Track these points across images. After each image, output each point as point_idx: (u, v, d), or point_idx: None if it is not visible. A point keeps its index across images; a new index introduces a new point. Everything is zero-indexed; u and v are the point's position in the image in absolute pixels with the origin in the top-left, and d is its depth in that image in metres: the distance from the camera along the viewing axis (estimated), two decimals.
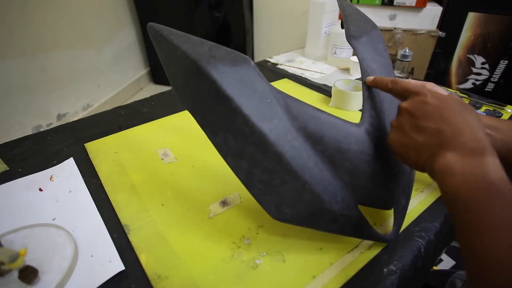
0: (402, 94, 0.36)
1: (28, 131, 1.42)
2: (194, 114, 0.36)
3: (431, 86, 0.45)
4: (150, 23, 0.40)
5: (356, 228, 0.38)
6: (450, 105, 0.30)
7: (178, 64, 0.36)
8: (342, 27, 0.52)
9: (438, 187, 0.29)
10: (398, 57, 0.80)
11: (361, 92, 0.43)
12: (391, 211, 0.43)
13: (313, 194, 0.34)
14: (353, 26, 0.45)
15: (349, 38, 0.44)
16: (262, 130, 0.33)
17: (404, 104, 0.33)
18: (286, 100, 0.36)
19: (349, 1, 0.51)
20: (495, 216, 0.24)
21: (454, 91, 0.78)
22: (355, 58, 0.89)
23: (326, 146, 0.36)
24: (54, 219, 0.44)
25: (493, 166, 0.26)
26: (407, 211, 0.45)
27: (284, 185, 0.34)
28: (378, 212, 0.44)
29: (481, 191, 0.25)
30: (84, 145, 0.60)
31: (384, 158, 0.39)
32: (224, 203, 0.46)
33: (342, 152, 0.36)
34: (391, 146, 0.35)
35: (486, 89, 1.32)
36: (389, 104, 0.43)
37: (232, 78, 0.33)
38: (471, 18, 1.22)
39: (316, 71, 0.95)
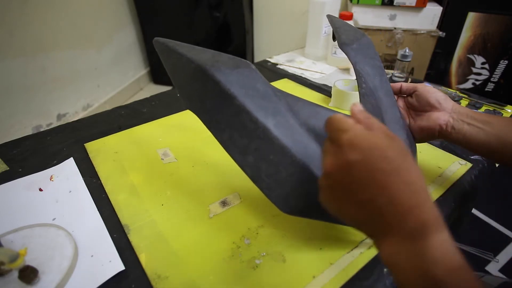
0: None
1: (28, 131, 1.42)
2: (200, 115, 0.39)
3: (422, 85, 0.46)
4: (155, 38, 0.43)
5: None
6: (377, 160, 0.23)
7: (184, 70, 0.39)
8: (334, 40, 0.54)
9: None
10: (398, 57, 0.80)
11: None
12: None
13: None
14: (344, 35, 0.48)
15: (341, 45, 0.47)
16: (266, 125, 0.34)
17: (327, 167, 0.26)
18: (286, 98, 0.38)
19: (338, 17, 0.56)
20: None
21: (454, 91, 0.78)
22: None
23: None
24: (54, 219, 0.44)
25: (439, 252, 0.21)
26: None
27: (291, 178, 0.35)
28: None
29: None
30: (84, 145, 0.60)
31: None
32: (224, 203, 0.46)
33: None
34: (325, 208, 0.29)
35: (486, 89, 1.32)
36: (385, 100, 0.44)
37: (235, 79, 0.35)
38: (471, 18, 1.22)
39: (316, 71, 0.95)
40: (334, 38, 0.54)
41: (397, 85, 0.48)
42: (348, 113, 0.44)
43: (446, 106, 0.43)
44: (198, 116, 0.39)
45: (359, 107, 0.28)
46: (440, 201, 0.47)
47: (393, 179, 0.23)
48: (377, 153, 0.23)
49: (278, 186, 0.35)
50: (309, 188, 0.35)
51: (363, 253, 0.39)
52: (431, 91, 0.45)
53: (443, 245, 0.22)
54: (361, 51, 0.47)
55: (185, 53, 0.39)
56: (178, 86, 0.42)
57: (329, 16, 0.55)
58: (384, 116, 0.42)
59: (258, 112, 0.35)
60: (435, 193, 0.48)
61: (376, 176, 0.23)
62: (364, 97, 0.42)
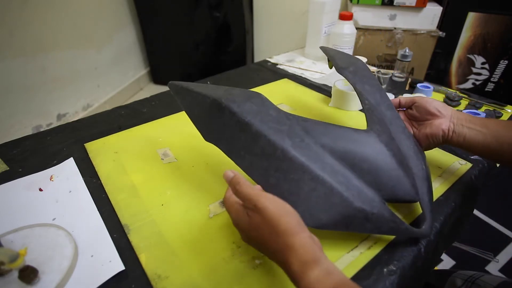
0: None
1: (28, 131, 1.42)
2: (220, 146, 0.42)
3: (420, 97, 0.49)
4: (170, 82, 0.48)
5: (391, 225, 0.38)
6: (253, 238, 0.33)
7: (200, 105, 0.43)
8: (330, 67, 0.59)
9: None
10: (398, 57, 0.80)
11: None
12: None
13: (342, 197, 0.36)
14: (340, 61, 0.53)
15: (339, 70, 0.51)
16: (284, 146, 0.37)
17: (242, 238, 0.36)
18: (298, 120, 0.41)
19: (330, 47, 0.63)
20: None
21: (454, 91, 0.78)
22: None
23: (342, 153, 0.39)
24: (54, 219, 0.44)
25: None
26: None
27: (313, 193, 0.36)
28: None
29: None
30: (84, 145, 0.60)
31: (398, 156, 0.42)
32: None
33: (358, 155, 0.40)
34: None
35: (486, 89, 1.32)
36: (388, 113, 0.46)
37: (249, 108, 0.39)
38: (471, 18, 1.22)
39: (316, 71, 0.95)
40: (329, 65, 0.59)
41: (395, 100, 0.51)
42: (348, 112, 0.45)
43: (445, 113, 0.46)
44: (218, 147, 0.42)
45: (229, 174, 0.35)
46: (440, 201, 0.47)
47: (266, 249, 0.31)
48: (248, 235, 0.33)
49: (302, 202, 0.37)
50: (331, 200, 0.36)
51: (363, 253, 0.39)
52: (429, 101, 0.48)
53: (311, 286, 0.27)
54: (358, 73, 0.50)
55: (201, 91, 0.43)
56: (195, 121, 0.45)
57: (322, 48, 0.60)
58: (390, 127, 0.44)
59: (275, 135, 0.37)
60: (435, 193, 0.48)
61: (260, 246, 0.33)
62: (369, 112, 0.46)
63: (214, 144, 0.42)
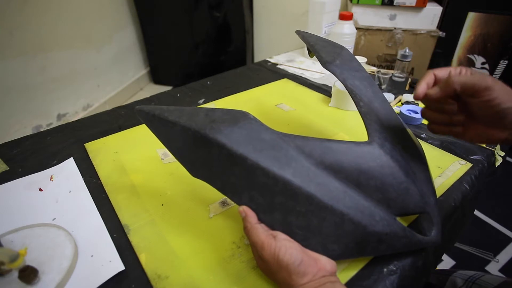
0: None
1: (28, 131, 1.42)
2: (212, 182, 0.37)
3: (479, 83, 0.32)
4: (137, 107, 0.40)
5: (404, 241, 0.36)
6: (267, 269, 0.34)
7: (181, 138, 0.37)
8: (310, 56, 0.54)
9: None
10: (398, 57, 0.80)
11: None
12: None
13: (353, 223, 0.34)
14: (323, 53, 0.47)
15: (324, 64, 0.46)
16: (285, 177, 0.33)
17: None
18: (295, 141, 0.36)
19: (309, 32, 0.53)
20: None
21: None
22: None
23: (347, 172, 0.36)
24: (54, 219, 0.44)
25: None
26: None
27: (323, 223, 0.34)
28: None
29: None
30: (84, 145, 0.60)
31: (404, 165, 0.39)
32: (224, 203, 0.46)
33: (364, 172, 0.36)
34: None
35: None
36: (382, 110, 0.43)
37: (238, 136, 0.34)
38: (471, 18, 1.22)
39: (316, 71, 0.95)
40: (310, 55, 0.53)
41: (421, 91, 0.35)
42: (348, 112, 0.44)
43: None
44: (208, 183, 0.37)
45: (241, 213, 0.36)
46: (440, 202, 0.47)
47: (277, 278, 0.33)
48: (265, 265, 0.34)
49: (312, 235, 0.34)
50: (343, 228, 0.34)
51: None
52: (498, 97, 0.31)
53: None
54: (345, 66, 0.46)
55: (177, 120, 0.37)
56: (177, 155, 0.39)
57: (299, 32, 0.53)
58: (389, 131, 0.41)
59: (273, 165, 0.33)
60: None
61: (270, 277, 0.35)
62: (366, 117, 0.41)
63: (205, 181, 0.38)
